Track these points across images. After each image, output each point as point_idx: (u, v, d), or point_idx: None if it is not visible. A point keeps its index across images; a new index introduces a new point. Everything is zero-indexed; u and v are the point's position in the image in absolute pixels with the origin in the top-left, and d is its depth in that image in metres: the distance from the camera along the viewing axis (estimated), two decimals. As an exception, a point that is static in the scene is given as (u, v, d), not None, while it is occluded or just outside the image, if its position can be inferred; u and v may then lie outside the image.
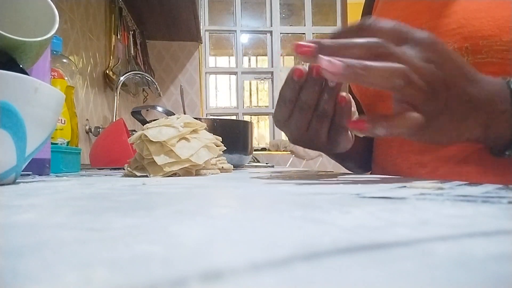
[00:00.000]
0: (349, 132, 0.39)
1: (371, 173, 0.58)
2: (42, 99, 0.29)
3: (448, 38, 0.42)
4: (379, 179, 0.34)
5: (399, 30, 0.29)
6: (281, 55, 2.85)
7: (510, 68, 0.39)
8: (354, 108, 0.39)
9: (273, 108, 2.79)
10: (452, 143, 0.33)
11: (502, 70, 0.39)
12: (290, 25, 2.90)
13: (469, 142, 0.34)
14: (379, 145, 0.54)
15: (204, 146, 0.47)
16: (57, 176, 0.46)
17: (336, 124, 0.37)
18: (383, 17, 0.54)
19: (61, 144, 0.61)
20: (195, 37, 2.27)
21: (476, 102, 0.31)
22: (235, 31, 2.83)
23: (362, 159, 0.59)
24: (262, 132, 2.97)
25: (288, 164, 2.49)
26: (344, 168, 0.65)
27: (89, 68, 1.27)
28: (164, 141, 0.43)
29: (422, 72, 0.27)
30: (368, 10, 0.65)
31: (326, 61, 0.26)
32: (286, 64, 3.02)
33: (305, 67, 0.34)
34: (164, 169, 0.43)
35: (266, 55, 2.87)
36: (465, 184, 0.25)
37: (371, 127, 0.28)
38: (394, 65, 0.27)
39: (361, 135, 0.30)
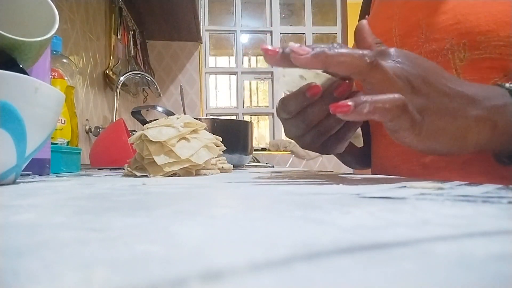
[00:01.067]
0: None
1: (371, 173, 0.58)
2: (42, 99, 0.29)
3: (446, 34, 0.42)
4: (379, 179, 0.34)
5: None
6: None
7: (508, 63, 0.39)
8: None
9: (273, 108, 2.80)
10: (459, 152, 0.31)
11: (501, 66, 0.39)
12: (290, 25, 2.90)
13: (479, 150, 0.32)
14: (377, 146, 0.54)
15: (204, 146, 0.47)
16: (57, 176, 0.46)
17: (337, 136, 0.36)
18: (380, 15, 0.54)
19: (61, 144, 0.61)
20: (195, 37, 2.26)
21: (465, 98, 0.30)
22: (235, 31, 2.83)
23: (361, 154, 0.59)
24: (262, 132, 2.97)
25: (288, 164, 2.49)
26: (343, 164, 0.65)
27: (89, 68, 1.27)
28: (164, 141, 0.43)
29: (393, 70, 0.28)
30: (366, 8, 0.65)
31: (295, 46, 0.27)
32: (286, 64, 3.01)
33: (321, 85, 0.32)
34: (164, 169, 0.43)
35: (266, 55, 2.87)
36: (465, 184, 0.25)
37: (354, 108, 0.26)
38: (356, 51, 0.27)
39: (347, 119, 0.28)
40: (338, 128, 0.35)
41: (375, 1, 0.59)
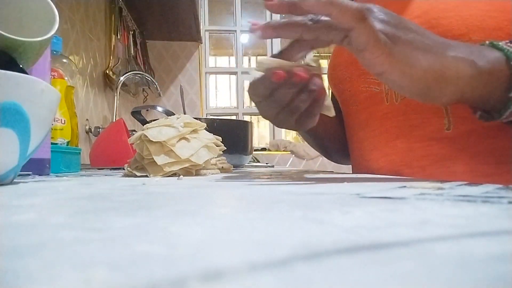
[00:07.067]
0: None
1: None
2: (47, 100, 0.29)
3: None
4: (379, 179, 0.34)
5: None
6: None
7: None
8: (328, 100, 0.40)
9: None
10: (439, 96, 0.31)
11: None
12: (290, 25, 2.90)
13: (460, 98, 0.32)
14: (355, 147, 0.55)
15: (204, 146, 0.47)
16: (57, 176, 0.46)
17: (308, 111, 0.38)
18: None
19: (61, 144, 0.61)
20: (195, 37, 2.26)
21: (444, 42, 0.31)
22: (235, 31, 2.82)
23: (340, 142, 0.61)
24: (262, 132, 2.97)
25: (288, 164, 2.49)
26: (330, 161, 0.68)
27: (89, 68, 1.27)
28: (164, 141, 0.43)
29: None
30: None
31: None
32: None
33: (283, 71, 0.34)
34: (164, 169, 0.43)
35: (266, 55, 2.87)
36: (465, 184, 0.25)
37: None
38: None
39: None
40: (307, 104, 0.37)
41: None
